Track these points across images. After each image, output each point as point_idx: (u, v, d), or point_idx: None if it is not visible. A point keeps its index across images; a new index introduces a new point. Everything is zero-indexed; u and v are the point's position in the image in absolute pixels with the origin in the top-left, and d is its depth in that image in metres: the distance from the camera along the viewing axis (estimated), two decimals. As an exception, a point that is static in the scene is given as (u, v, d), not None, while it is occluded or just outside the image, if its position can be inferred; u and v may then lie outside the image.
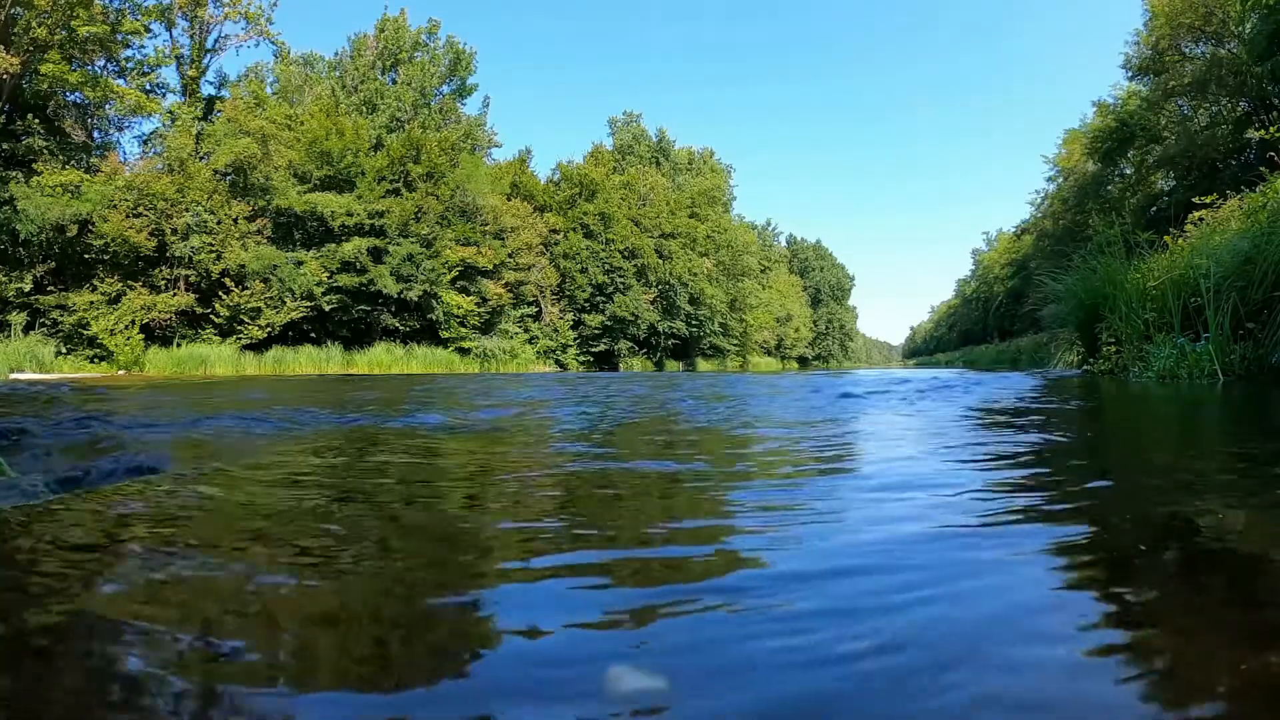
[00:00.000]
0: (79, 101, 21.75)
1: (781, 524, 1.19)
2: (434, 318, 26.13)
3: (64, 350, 18.77)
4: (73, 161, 20.62)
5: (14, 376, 13.09)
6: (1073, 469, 1.90)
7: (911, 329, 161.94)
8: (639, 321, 37.68)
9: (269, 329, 21.89)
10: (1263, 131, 12.37)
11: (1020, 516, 1.22)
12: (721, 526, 1.22)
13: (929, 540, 1.06)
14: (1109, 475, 1.80)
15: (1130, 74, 27.08)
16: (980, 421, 3.11)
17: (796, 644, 0.71)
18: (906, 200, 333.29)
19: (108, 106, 22.05)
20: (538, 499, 1.52)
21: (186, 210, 20.77)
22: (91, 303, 19.16)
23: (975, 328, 64.72)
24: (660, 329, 39.87)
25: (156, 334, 20.62)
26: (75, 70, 20.08)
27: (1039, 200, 44.85)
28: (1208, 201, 9.30)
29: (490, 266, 27.86)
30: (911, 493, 1.43)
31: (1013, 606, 0.81)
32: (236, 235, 21.61)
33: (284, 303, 22.20)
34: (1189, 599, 0.87)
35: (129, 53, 22.61)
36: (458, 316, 26.58)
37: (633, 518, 1.30)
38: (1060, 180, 39.86)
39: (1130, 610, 0.82)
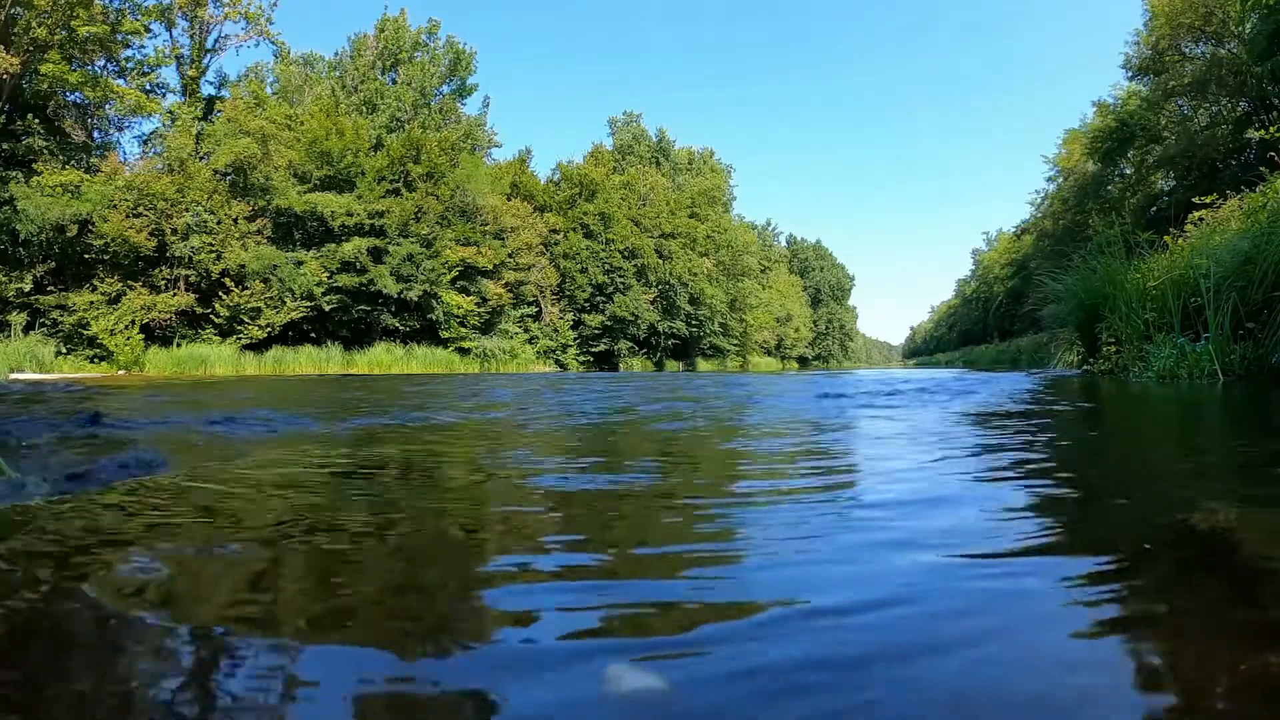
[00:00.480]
0: (79, 101, 21.76)
1: (768, 552, 1.07)
2: (434, 318, 26.14)
3: (64, 350, 18.78)
4: (73, 161, 20.62)
5: (14, 376, 13.09)
6: (1075, 475, 1.90)
7: (911, 329, 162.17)
8: (639, 321, 37.69)
9: (269, 329, 21.90)
10: (1263, 131, 12.38)
11: (1026, 538, 1.12)
12: (695, 556, 1.06)
13: (930, 570, 0.95)
14: (1110, 480, 1.80)
15: (1130, 74, 27.11)
16: (981, 425, 3.12)
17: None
18: (906, 200, 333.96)
19: (108, 106, 22.06)
20: (515, 517, 1.51)
21: (186, 210, 20.78)
22: (91, 303, 19.17)
23: (975, 328, 64.76)
24: (660, 329, 39.89)
25: (156, 334, 20.62)
26: (75, 70, 20.09)
27: (1039, 200, 44.91)
28: (1208, 201, 9.31)
29: (490, 266, 27.87)
30: (909, 511, 1.34)
31: (1035, 654, 0.70)
32: (236, 235, 21.61)
33: (284, 303, 22.21)
34: (1207, 609, 0.85)
35: (129, 53, 22.65)
36: (458, 316, 26.59)
37: (609, 541, 1.25)
38: (1060, 180, 39.90)
39: (1148, 640, 0.75)
